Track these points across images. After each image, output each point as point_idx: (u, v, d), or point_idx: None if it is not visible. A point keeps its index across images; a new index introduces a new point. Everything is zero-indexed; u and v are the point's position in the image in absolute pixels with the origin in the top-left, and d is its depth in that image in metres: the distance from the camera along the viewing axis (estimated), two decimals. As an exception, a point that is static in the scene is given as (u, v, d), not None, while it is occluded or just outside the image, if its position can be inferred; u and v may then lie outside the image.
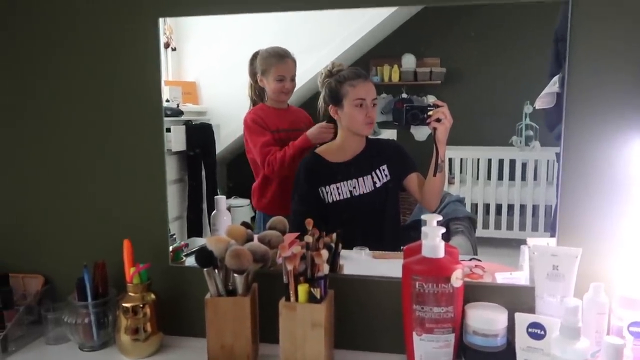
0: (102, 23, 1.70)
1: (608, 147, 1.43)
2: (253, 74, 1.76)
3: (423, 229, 1.42)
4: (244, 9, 1.61)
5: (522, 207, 1.68)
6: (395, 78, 1.70)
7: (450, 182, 1.71)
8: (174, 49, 1.74)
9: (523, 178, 1.68)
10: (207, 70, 1.84)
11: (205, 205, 1.85)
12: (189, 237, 1.83)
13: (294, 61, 1.72)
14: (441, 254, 1.38)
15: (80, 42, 1.73)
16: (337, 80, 1.69)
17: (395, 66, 1.69)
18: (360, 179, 1.72)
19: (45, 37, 1.76)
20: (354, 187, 1.72)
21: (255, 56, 1.75)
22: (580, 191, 1.46)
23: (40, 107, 1.79)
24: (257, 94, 1.78)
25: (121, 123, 1.73)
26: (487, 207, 1.73)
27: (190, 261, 1.75)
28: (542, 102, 1.51)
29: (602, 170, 1.44)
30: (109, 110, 1.74)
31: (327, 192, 1.73)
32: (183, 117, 1.79)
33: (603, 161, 1.44)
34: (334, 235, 1.58)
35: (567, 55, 1.43)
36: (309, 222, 1.50)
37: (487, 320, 1.39)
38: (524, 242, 1.57)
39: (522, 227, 1.67)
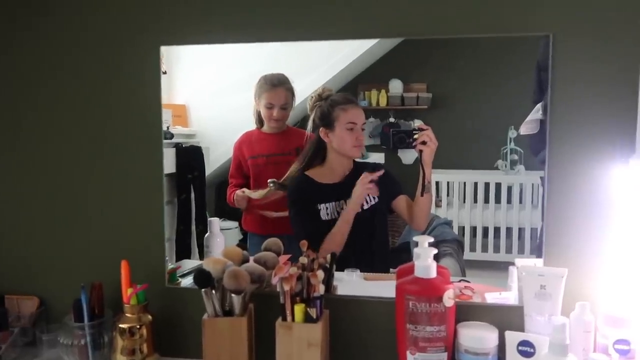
0: (105, 50, 1.74)
1: (590, 171, 1.48)
2: (254, 99, 1.79)
3: (415, 250, 1.45)
4: (243, 39, 1.65)
5: (508, 230, 1.73)
6: (383, 103, 1.74)
7: (437, 205, 1.75)
8: (164, 72, 1.74)
9: (509, 201, 1.72)
10: (197, 93, 1.86)
11: (194, 227, 1.87)
12: (177, 258, 1.83)
13: (289, 90, 1.76)
14: (433, 274, 1.41)
15: (84, 68, 1.76)
16: (329, 104, 1.72)
17: (383, 91, 1.73)
18: (349, 201, 1.75)
19: (46, 61, 1.78)
20: (342, 209, 1.74)
21: (258, 81, 1.78)
22: (564, 213, 1.51)
23: (39, 129, 1.81)
24: (257, 117, 1.81)
25: (120, 146, 1.75)
26: (474, 230, 1.76)
27: (185, 282, 1.77)
28: (527, 128, 1.56)
29: (585, 194, 1.49)
30: (109, 134, 1.76)
31: (316, 212, 1.75)
32: (173, 140, 1.80)
33: (586, 185, 1.49)
34: (329, 256, 1.60)
35: (549, 85, 1.48)
36: (304, 244, 1.53)
37: (478, 339, 1.42)
38: (510, 264, 1.59)
39: (509, 249, 1.72)
